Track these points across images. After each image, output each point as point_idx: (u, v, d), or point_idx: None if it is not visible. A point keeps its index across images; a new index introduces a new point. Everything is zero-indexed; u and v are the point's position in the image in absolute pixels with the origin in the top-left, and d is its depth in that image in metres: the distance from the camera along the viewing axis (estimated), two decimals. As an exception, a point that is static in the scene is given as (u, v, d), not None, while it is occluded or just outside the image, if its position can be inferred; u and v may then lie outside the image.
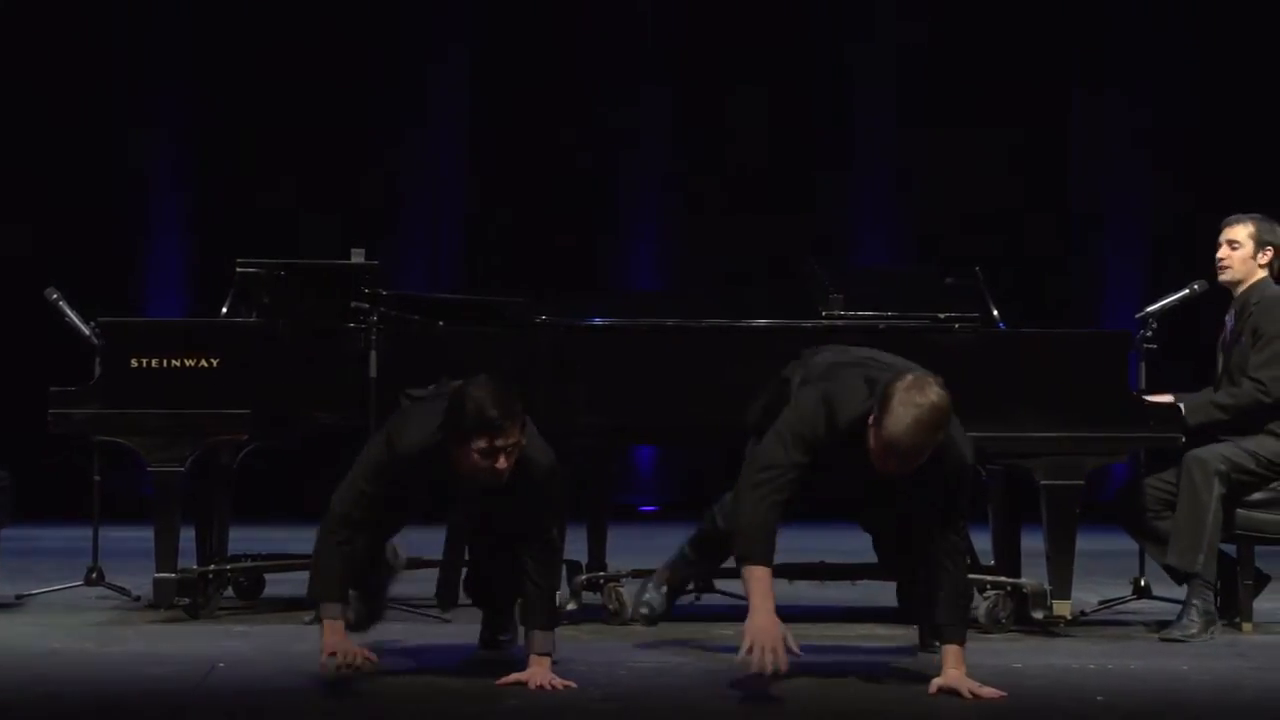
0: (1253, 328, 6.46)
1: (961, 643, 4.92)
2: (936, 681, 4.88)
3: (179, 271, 12.52)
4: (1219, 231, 6.59)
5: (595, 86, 12.95)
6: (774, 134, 12.85)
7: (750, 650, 4.79)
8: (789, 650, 4.81)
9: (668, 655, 5.68)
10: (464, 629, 6.22)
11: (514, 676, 4.94)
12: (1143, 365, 6.68)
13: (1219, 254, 6.55)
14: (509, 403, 4.83)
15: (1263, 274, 6.53)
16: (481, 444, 4.80)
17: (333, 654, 4.87)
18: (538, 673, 4.93)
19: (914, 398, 4.75)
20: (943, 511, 4.98)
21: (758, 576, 4.89)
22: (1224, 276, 6.56)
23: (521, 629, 5.14)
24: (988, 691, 4.81)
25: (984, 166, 12.59)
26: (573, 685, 4.90)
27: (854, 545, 6.25)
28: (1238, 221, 6.55)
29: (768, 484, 4.96)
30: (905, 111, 12.94)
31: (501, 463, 4.82)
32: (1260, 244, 6.53)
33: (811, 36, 13.02)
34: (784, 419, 5.06)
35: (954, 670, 4.88)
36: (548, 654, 4.99)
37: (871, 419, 4.83)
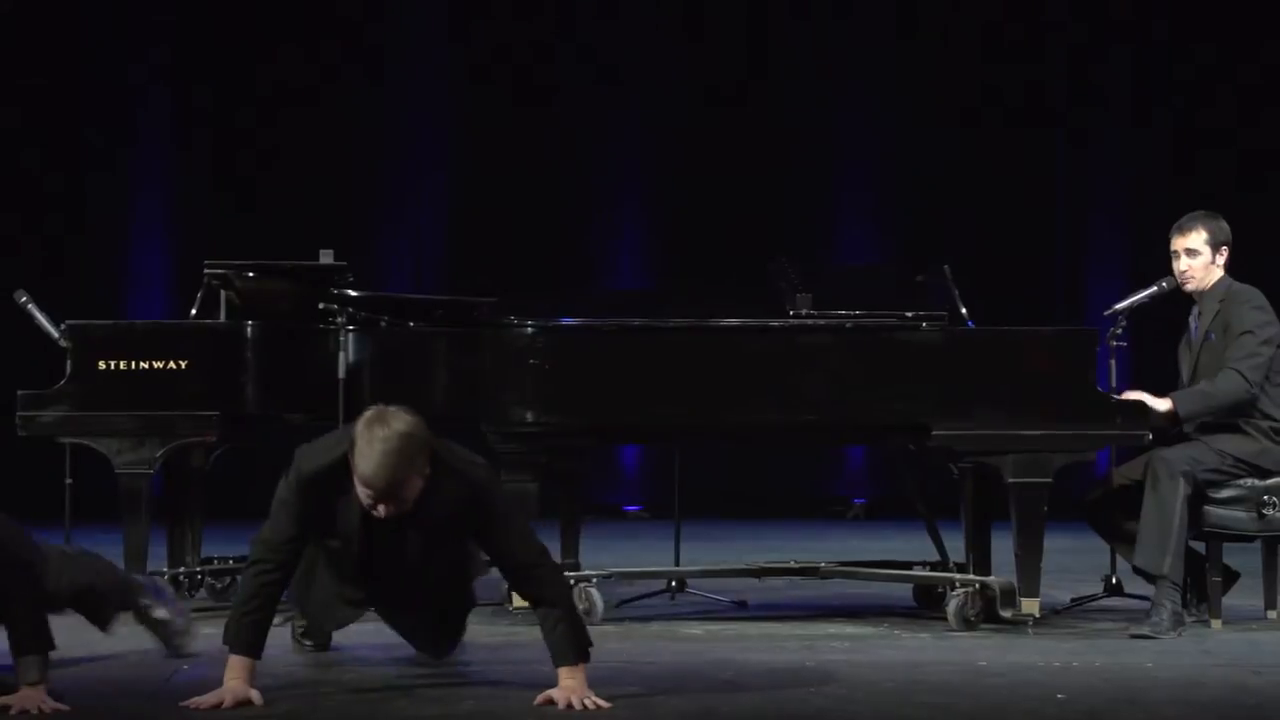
0: (1223, 324, 6.47)
1: (575, 664, 4.75)
2: (547, 692, 4.71)
3: (159, 276, 12.51)
4: (1170, 239, 6.59)
5: (576, 85, 12.95)
6: (757, 133, 12.85)
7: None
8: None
9: (640, 654, 5.68)
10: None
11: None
12: (1112, 363, 6.69)
13: (1179, 266, 6.55)
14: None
15: (1220, 272, 6.55)
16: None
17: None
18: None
19: (377, 431, 4.61)
20: (500, 550, 4.85)
21: (232, 664, 4.76)
22: (1190, 287, 6.57)
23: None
24: (594, 699, 4.66)
25: (971, 163, 12.60)
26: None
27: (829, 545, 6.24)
28: (1190, 229, 6.55)
29: (257, 566, 4.83)
30: (885, 107, 12.95)
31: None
32: (1216, 245, 6.54)
33: (789, 33, 13.03)
34: (272, 500, 4.92)
35: (569, 680, 4.72)
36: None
37: (354, 466, 4.67)
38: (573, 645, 4.77)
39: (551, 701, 4.68)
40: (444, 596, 5.16)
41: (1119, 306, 6.70)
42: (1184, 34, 12.78)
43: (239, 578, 5.54)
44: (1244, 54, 12.65)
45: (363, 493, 4.69)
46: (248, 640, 4.78)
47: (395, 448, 4.61)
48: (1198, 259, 6.53)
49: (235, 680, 4.73)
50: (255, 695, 4.72)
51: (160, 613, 5.58)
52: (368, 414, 4.69)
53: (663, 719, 4.60)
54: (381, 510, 4.69)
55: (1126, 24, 12.93)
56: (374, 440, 4.61)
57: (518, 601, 6.42)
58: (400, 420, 4.65)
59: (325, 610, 5.27)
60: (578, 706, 4.65)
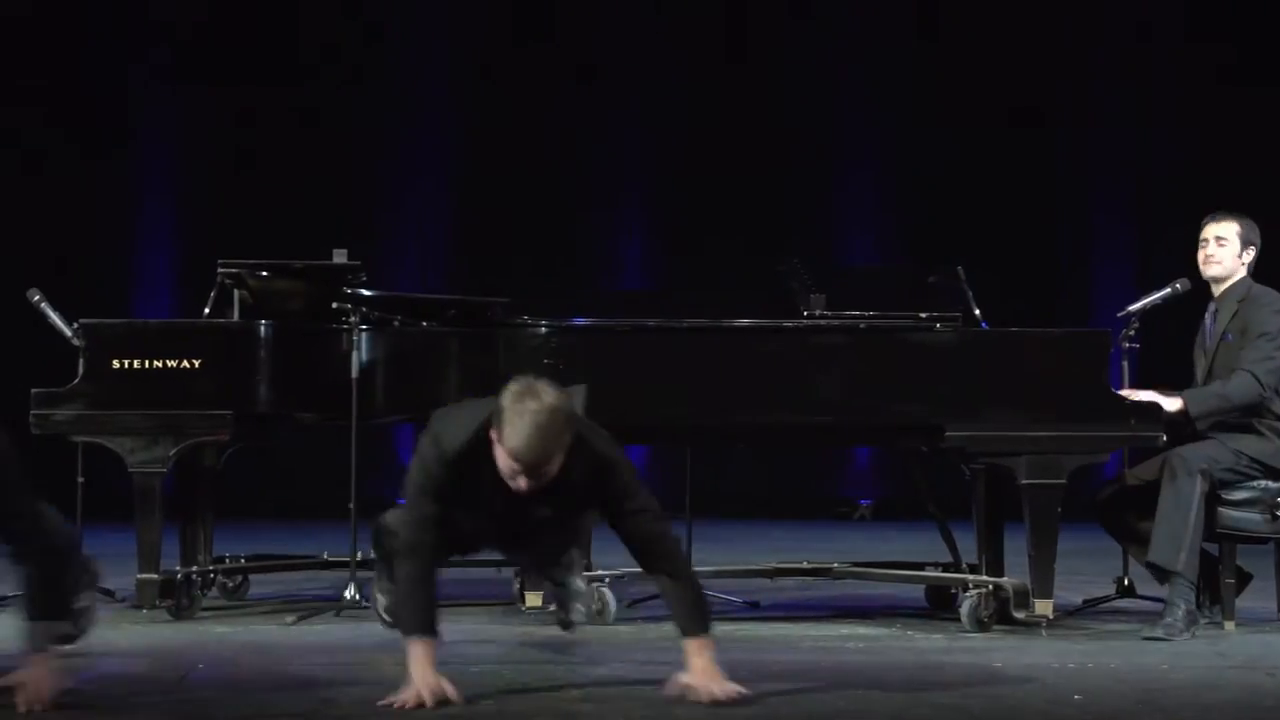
0: (1241, 325, 6.46)
1: (703, 633, 4.75)
2: (681, 678, 4.70)
3: (166, 275, 12.52)
4: (1201, 228, 6.59)
5: (584, 82, 12.95)
6: (760, 132, 12.85)
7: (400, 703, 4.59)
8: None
9: (654, 654, 5.68)
10: (441, 628, 6.24)
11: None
12: (1125, 364, 6.69)
13: (1207, 250, 6.55)
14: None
15: (1244, 273, 6.55)
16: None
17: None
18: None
19: (528, 404, 4.54)
20: (625, 521, 4.79)
21: (415, 650, 4.67)
22: (1212, 271, 6.56)
23: None
24: (729, 689, 4.64)
25: (973, 164, 12.60)
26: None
27: (837, 546, 6.24)
28: (1224, 218, 6.56)
29: (407, 551, 4.77)
30: (891, 109, 12.96)
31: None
32: (1245, 243, 6.54)
33: (799, 36, 13.03)
34: (407, 478, 4.88)
35: (699, 658, 4.71)
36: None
37: (495, 437, 4.63)
38: (700, 615, 4.75)
39: (686, 691, 4.63)
40: (557, 545, 5.16)
41: (1132, 308, 6.70)
42: (1187, 34, 12.79)
43: (377, 563, 5.41)
44: (1246, 55, 12.66)
45: (507, 465, 4.61)
46: (424, 622, 4.68)
47: (546, 421, 4.54)
48: (1226, 248, 6.52)
49: (423, 668, 4.62)
50: (450, 688, 4.63)
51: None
52: (515, 386, 4.60)
53: None
54: (523, 483, 4.62)
55: (1128, 24, 12.94)
56: (524, 413, 4.53)
57: (530, 601, 6.46)
58: (549, 394, 4.58)
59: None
60: (720, 696, 4.61)
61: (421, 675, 4.60)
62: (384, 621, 5.46)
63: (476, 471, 4.71)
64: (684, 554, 4.91)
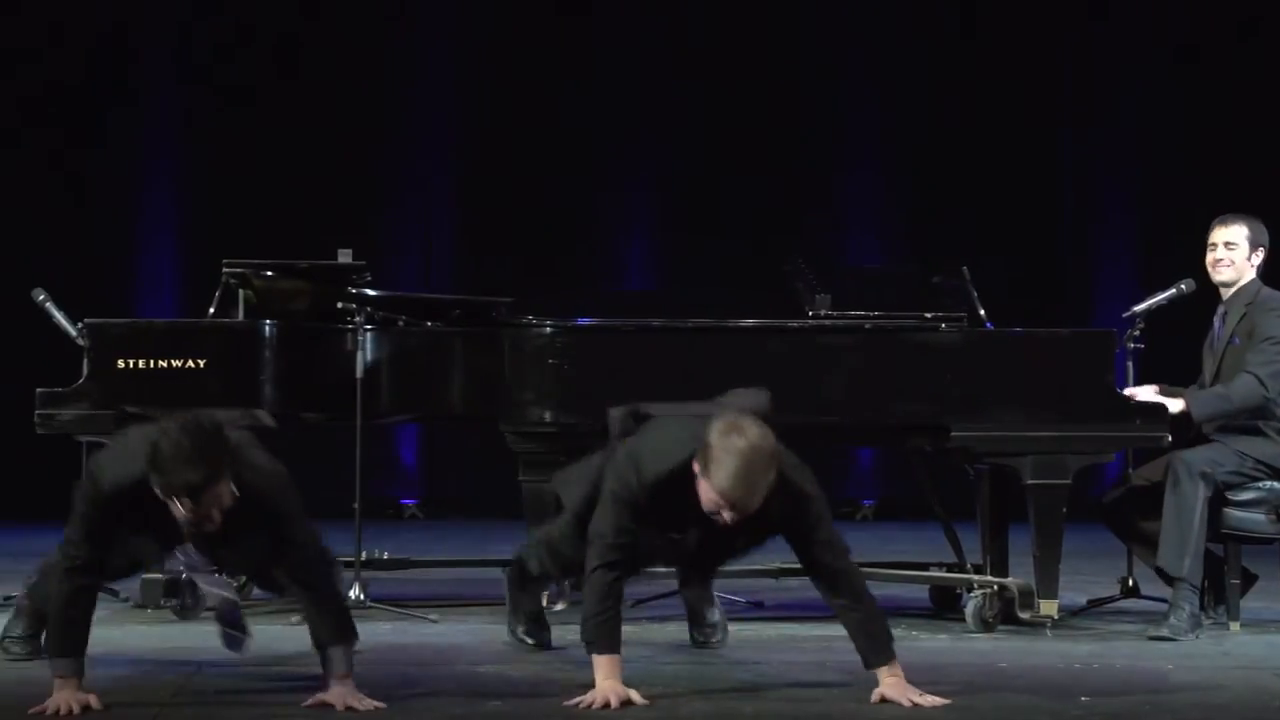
0: (1249, 329, 6.45)
1: (889, 662, 4.82)
2: (877, 690, 4.78)
3: (168, 274, 12.51)
4: (1209, 231, 6.58)
5: (589, 82, 12.95)
6: (765, 133, 12.84)
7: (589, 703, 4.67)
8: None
9: (659, 654, 5.69)
10: (448, 629, 6.25)
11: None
12: (1130, 364, 6.68)
13: (1216, 254, 6.53)
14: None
15: (1253, 275, 6.54)
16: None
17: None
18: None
19: (734, 443, 4.57)
20: (812, 552, 4.88)
21: (602, 665, 4.76)
22: (1222, 276, 6.54)
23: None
24: (929, 699, 4.73)
25: (979, 163, 12.60)
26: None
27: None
28: (1233, 221, 6.54)
29: (601, 564, 4.81)
30: (896, 109, 12.96)
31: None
32: (1254, 245, 6.53)
33: (802, 35, 13.03)
34: (605, 486, 4.92)
35: (890, 678, 4.79)
36: None
37: (696, 468, 4.66)
38: (883, 645, 4.82)
39: (886, 700, 4.72)
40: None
41: (1138, 308, 6.68)
42: (1190, 34, 12.79)
43: (512, 589, 5.69)
44: (1249, 54, 12.66)
45: (711, 501, 4.65)
46: (610, 639, 4.77)
47: (753, 462, 4.58)
48: (1235, 251, 6.50)
49: (611, 680, 4.71)
50: (636, 695, 4.70)
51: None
52: (722, 422, 4.64)
53: (687, 720, 4.61)
54: (727, 517, 4.65)
55: (1130, 24, 12.95)
56: (733, 453, 4.57)
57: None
58: (755, 431, 4.61)
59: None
60: (921, 702, 4.68)
61: (612, 686, 4.69)
62: (519, 640, 5.73)
63: (675, 498, 4.76)
64: (866, 586, 4.97)
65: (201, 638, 5.95)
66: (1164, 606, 6.32)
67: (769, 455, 4.63)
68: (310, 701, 4.65)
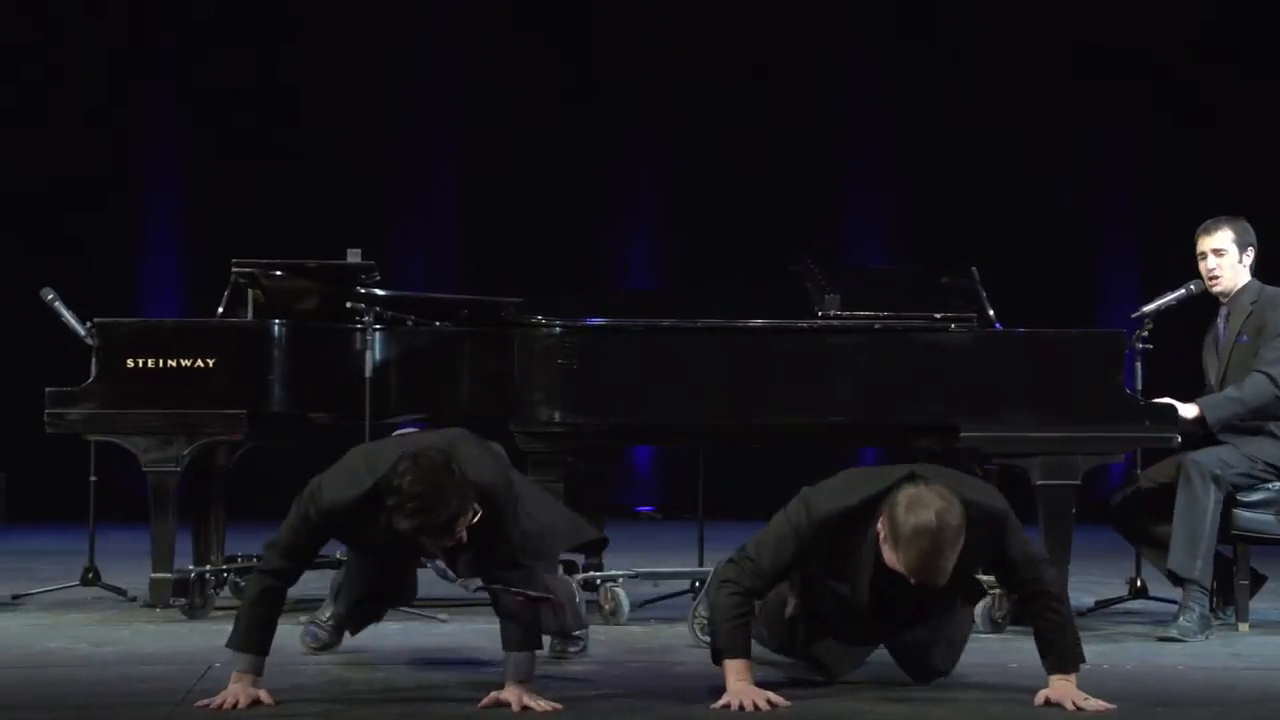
0: (1257, 324, 6.45)
1: (1068, 674, 4.80)
2: (1043, 692, 4.77)
3: (172, 275, 12.52)
4: (1195, 241, 6.57)
5: (591, 83, 12.96)
6: (769, 131, 12.85)
7: (728, 704, 4.67)
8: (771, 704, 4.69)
9: (668, 655, 5.68)
10: (457, 629, 6.24)
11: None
12: (1139, 365, 6.67)
13: (1208, 264, 6.53)
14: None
15: (1247, 275, 6.54)
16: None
17: None
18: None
19: (920, 518, 4.50)
20: (1015, 570, 4.86)
21: (733, 668, 4.75)
22: (1218, 288, 6.55)
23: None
24: (1094, 704, 4.71)
25: (981, 164, 12.61)
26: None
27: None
28: (1216, 228, 6.54)
29: (740, 588, 4.81)
30: (897, 109, 12.97)
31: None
32: (1243, 246, 6.53)
33: (803, 35, 13.04)
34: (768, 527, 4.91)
35: (1061, 681, 4.78)
36: None
37: (882, 535, 4.63)
38: (1072, 659, 4.80)
39: (1050, 702, 4.71)
40: (946, 622, 5.11)
41: (1146, 309, 6.68)
42: (1192, 35, 12.80)
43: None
44: (1251, 54, 12.66)
45: (896, 565, 4.60)
46: (739, 646, 4.76)
47: (940, 540, 4.51)
48: (1225, 258, 6.51)
49: (742, 683, 4.69)
50: (775, 696, 4.68)
51: None
52: (906, 494, 4.57)
53: (699, 720, 4.61)
54: (914, 582, 4.61)
55: (1132, 23, 12.95)
56: (918, 534, 4.50)
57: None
58: (939, 501, 4.53)
59: (835, 657, 5.15)
60: (1085, 707, 4.66)
61: (743, 689, 4.67)
62: (699, 640, 5.74)
63: (851, 546, 4.75)
64: (1062, 591, 4.98)
65: (210, 637, 5.94)
66: (1172, 607, 6.33)
67: (955, 528, 4.52)
68: (485, 701, 4.67)
